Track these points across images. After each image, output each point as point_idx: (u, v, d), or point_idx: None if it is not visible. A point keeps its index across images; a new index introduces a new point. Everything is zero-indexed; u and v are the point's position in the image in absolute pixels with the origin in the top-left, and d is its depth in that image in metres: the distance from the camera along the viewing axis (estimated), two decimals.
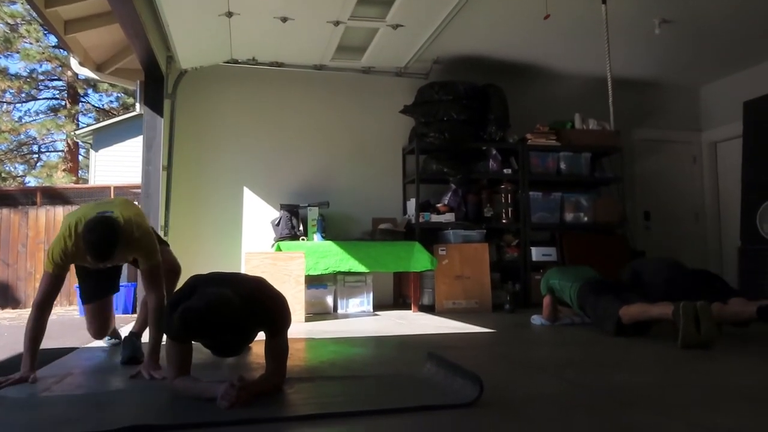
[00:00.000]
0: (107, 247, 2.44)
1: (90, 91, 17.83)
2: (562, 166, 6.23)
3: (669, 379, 2.42)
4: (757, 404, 1.92)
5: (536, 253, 5.99)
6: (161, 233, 5.44)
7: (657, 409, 1.89)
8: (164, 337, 2.21)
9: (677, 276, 4.00)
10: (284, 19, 5.06)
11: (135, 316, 5.38)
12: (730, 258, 6.84)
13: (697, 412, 1.87)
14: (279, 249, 5.28)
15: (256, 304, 2.08)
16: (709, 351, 3.04)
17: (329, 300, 5.62)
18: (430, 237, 5.86)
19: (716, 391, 2.19)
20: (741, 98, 6.66)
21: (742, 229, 6.41)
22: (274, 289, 2.28)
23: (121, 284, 5.82)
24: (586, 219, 6.22)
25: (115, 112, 17.29)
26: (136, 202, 4.07)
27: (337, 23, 5.16)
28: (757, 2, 5.02)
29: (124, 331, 4.20)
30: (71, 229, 2.56)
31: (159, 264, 2.75)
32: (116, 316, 5.65)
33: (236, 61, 6.06)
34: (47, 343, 3.75)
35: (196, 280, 2.18)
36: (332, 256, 5.33)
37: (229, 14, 4.92)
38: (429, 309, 5.60)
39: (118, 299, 5.78)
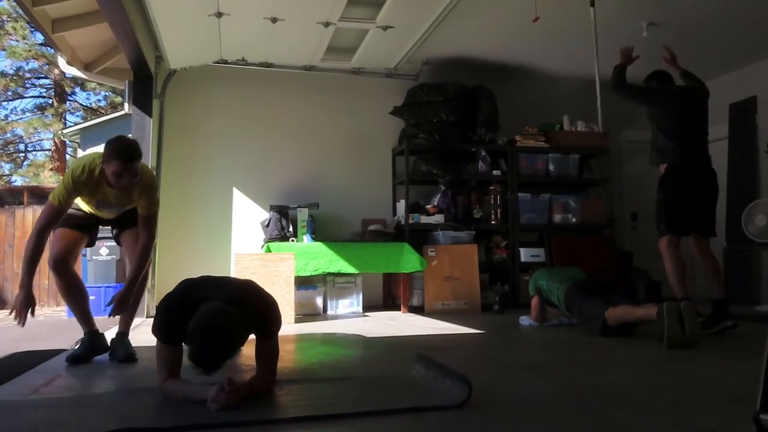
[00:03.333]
0: (134, 152, 2.78)
1: (77, 89, 17.68)
2: (551, 167, 6.27)
3: (654, 379, 2.45)
4: (740, 403, 1.95)
5: (525, 254, 6.02)
6: None
7: (643, 409, 1.92)
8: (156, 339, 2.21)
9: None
10: (274, 20, 5.05)
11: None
12: (716, 258, 6.89)
13: (682, 411, 1.90)
14: (269, 250, 5.28)
15: (246, 308, 2.08)
16: (693, 350, 3.08)
17: (319, 301, 5.63)
18: (419, 238, 5.88)
19: (701, 390, 2.22)
20: (727, 101, 6.75)
21: (728, 230, 6.49)
22: (264, 292, 2.29)
23: (108, 285, 5.83)
24: (574, 220, 6.26)
25: (103, 111, 17.17)
26: None
27: (327, 24, 5.16)
28: (743, 6, 5.09)
29: (112, 332, 4.19)
30: (87, 163, 2.86)
31: (156, 214, 3.05)
32: (105, 317, 5.63)
33: (226, 62, 6.05)
34: (35, 344, 3.74)
35: (187, 286, 2.18)
36: (322, 258, 5.33)
37: (219, 14, 4.90)
38: (418, 310, 5.62)
39: (107, 300, 5.75)
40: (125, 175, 2.76)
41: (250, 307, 2.11)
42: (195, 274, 2.37)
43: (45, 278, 7.36)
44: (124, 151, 2.74)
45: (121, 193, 2.90)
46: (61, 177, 13.55)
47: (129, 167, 2.76)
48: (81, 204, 3.04)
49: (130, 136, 3.55)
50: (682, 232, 3.94)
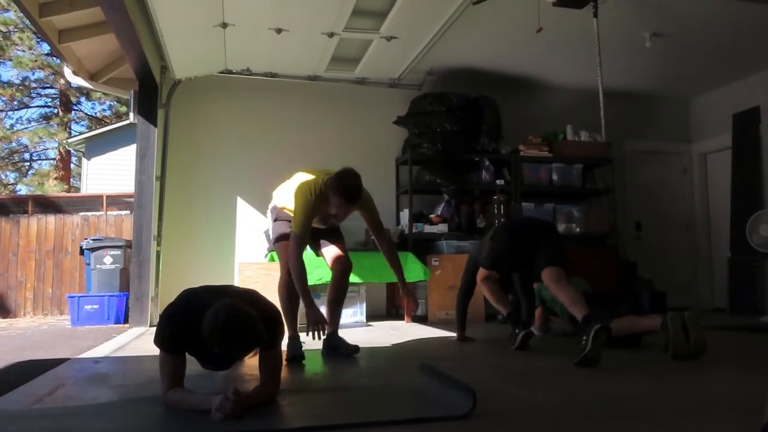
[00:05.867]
0: (358, 196, 3.08)
1: (83, 99, 17.81)
2: (554, 177, 6.27)
3: (659, 389, 2.44)
4: (746, 414, 1.94)
5: None
6: (154, 243, 5.44)
7: (648, 420, 1.91)
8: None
9: None
10: (279, 31, 5.08)
11: (126, 326, 5.38)
12: (720, 268, 6.89)
13: (687, 422, 1.89)
14: (273, 259, 5.28)
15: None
16: (698, 361, 3.06)
17: (323, 310, 5.60)
18: (423, 247, 5.88)
19: (706, 401, 2.21)
20: (730, 110, 6.76)
21: (732, 240, 6.48)
22: (267, 301, 2.29)
23: (113, 294, 5.84)
24: (577, 230, 6.25)
25: (108, 121, 17.26)
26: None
27: (331, 35, 5.19)
28: (746, 17, 5.10)
29: (116, 341, 4.20)
30: (311, 188, 3.16)
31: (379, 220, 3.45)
32: (108, 326, 5.64)
33: (230, 72, 6.08)
34: (38, 353, 3.75)
35: (191, 294, 2.19)
36: (326, 267, 5.31)
37: (224, 25, 4.94)
38: (422, 319, 5.60)
39: (110, 309, 5.77)
40: (345, 210, 3.12)
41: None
42: (199, 283, 2.38)
43: (49, 287, 7.38)
44: (349, 193, 3.05)
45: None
46: (65, 186, 13.52)
47: (350, 207, 3.11)
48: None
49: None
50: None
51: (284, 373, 2.37)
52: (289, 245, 3.13)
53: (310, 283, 5.18)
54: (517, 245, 3.72)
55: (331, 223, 3.52)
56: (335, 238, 3.63)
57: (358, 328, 5.16)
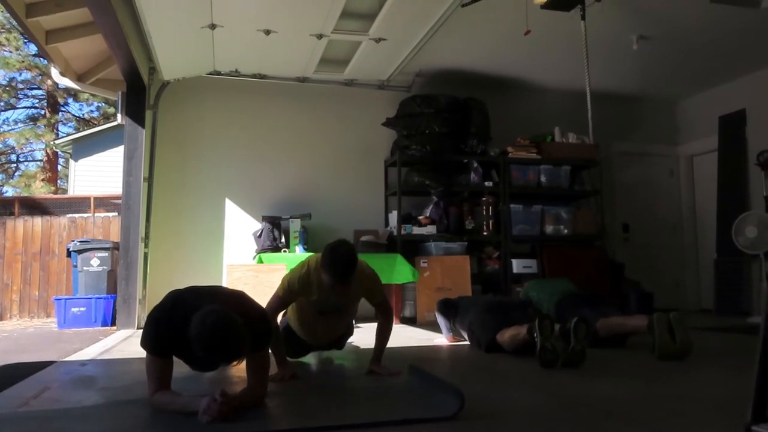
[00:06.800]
0: (350, 273, 2.65)
1: (70, 100, 17.66)
2: (543, 178, 6.30)
3: (646, 390, 2.46)
4: (731, 414, 1.96)
5: (517, 265, 6.03)
6: (141, 245, 5.41)
7: (635, 421, 1.92)
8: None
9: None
10: (267, 32, 5.08)
11: (113, 328, 5.35)
12: (707, 269, 6.95)
13: (674, 423, 1.91)
14: (261, 261, 5.27)
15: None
16: (684, 361, 3.09)
17: None
18: (411, 249, 5.89)
19: (692, 401, 2.23)
20: (716, 113, 6.83)
21: (718, 241, 6.54)
22: (255, 303, 2.29)
23: (100, 296, 5.80)
24: (565, 231, 6.29)
25: (95, 122, 17.13)
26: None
27: (320, 36, 5.19)
28: (732, 21, 5.16)
29: (102, 344, 4.17)
30: (311, 264, 2.79)
31: (386, 299, 3.00)
32: (95, 328, 5.60)
33: (219, 73, 6.06)
34: (24, 356, 3.71)
35: (177, 296, 2.17)
36: None
37: (213, 26, 4.92)
38: (411, 321, 5.61)
39: (98, 311, 5.73)
40: (338, 289, 2.72)
41: (241, 318, 2.10)
42: (187, 284, 2.36)
43: (35, 289, 7.32)
44: (339, 270, 2.63)
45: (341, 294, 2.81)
46: (52, 188, 13.40)
47: (342, 286, 2.69)
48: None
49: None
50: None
51: (271, 375, 2.36)
52: (268, 304, 2.76)
53: None
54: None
55: (337, 309, 2.99)
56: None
57: None
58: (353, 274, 2.68)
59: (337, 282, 2.66)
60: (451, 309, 4.11)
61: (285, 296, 2.81)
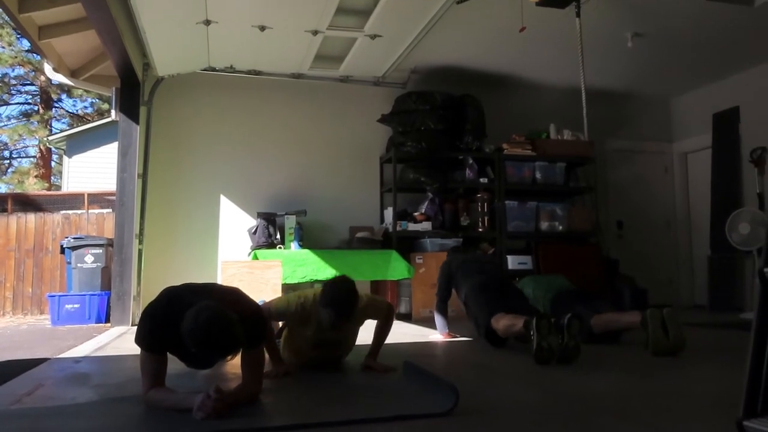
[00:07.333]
0: (351, 313, 2.62)
1: (64, 96, 17.55)
2: (538, 175, 6.31)
3: (639, 385, 2.47)
4: (724, 409, 1.97)
5: (512, 262, 6.04)
6: (136, 241, 5.39)
7: (628, 416, 1.93)
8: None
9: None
10: (262, 28, 5.06)
11: (107, 325, 5.34)
12: (701, 265, 6.98)
13: (667, 418, 1.92)
14: (256, 257, 5.26)
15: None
16: (678, 357, 3.10)
17: None
18: (407, 245, 5.89)
19: (685, 397, 2.24)
20: (710, 110, 6.85)
21: (712, 238, 6.57)
22: (250, 299, 2.29)
23: (95, 293, 5.78)
24: (560, 228, 6.30)
25: (89, 118, 17.05)
26: None
27: (315, 32, 5.18)
28: (726, 19, 5.17)
29: (96, 341, 4.15)
30: (308, 298, 2.73)
31: (386, 309, 2.97)
32: (89, 325, 5.59)
33: (214, 69, 6.04)
34: (17, 353, 3.70)
35: (172, 292, 2.17)
36: (309, 265, 5.32)
37: (207, 22, 4.90)
38: (406, 317, 5.62)
39: (92, 308, 5.71)
40: (337, 326, 2.66)
41: (237, 315, 2.10)
42: (181, 281, 2.35)
43: (29, 286, 7.29)
44: (339, 310, 2.58)
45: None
46: (46, 184, 13.33)
47: (341, 325, 2.65)
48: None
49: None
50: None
51: (266, 371, 2.36)
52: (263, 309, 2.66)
53: (292, 281, 5.22)
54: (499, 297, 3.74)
55: (335, 343, 2.96)
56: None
57: None
58: (354, 312, 2.65)
59: (337, 319, 2.60)
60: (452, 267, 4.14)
61: (276, 312, 2.76)
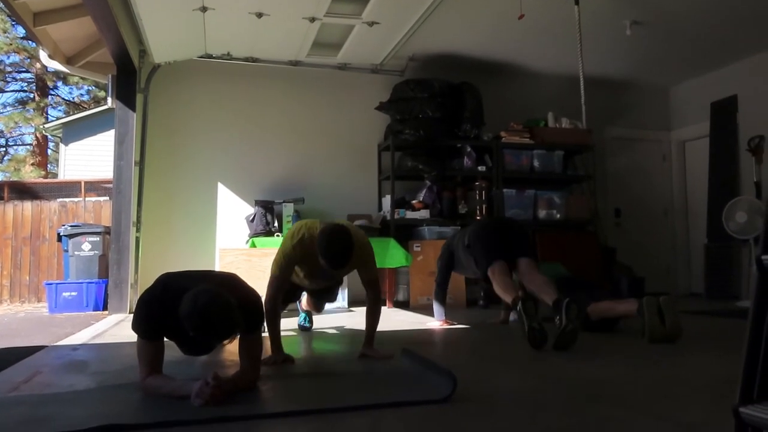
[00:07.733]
0: (345, 261, 2.65)
1: (60, 83, 17.46)
2: (536, 163, 6.31)
3: (636, 373, 2.48)
4: (720, 397, 1.98)
5: None
6: (133, 229, 5.38)
7: (625, 403, 1.94)
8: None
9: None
10: (260, 15, 5.02)
11: (105, 313, 5.34)
12: (698, 254, 7.00)
13: (664, 405, 1.92)
14: (253, 245, 5.26)
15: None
16: (674, 345, 3.12)
17: (304, 296, 5.61)
18: (405, 233, 5.89)
19: (681, 384, 2.25)
20: (708, 99, 6.84)
21: (709, 226, 6.59)
22: (247, 286, 2.29)
23: (92, 281, 5.78)
24: (558, 216, 6.31)
25: (85, 106, 16.97)
26: None
27: (312, 19, 5.14)
28: (724, 7, 5.15)
29: (94, 328, 4.16)
30: (305, 235, 2.81)
31: (377, 278, 2.98)
32: (87, 313, 5.59)
33: (211, 56, 6.00)
34: (15, 341, 3.70)
35: (168, 279, 2.17)
36: None
37: (204, 9, 4.86)
38: (404, 305, 5.63)
39: (89, 296, 5.71)
40: (333, 272, 2.78)
41: (234, 301, 2.10)
42: (179, 268, 2.35)
43: (26, 274, 7.28)
44: (335, 258, 2.64)
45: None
46: (42, 172, 13.29)
47: (336, 271, 2.77)
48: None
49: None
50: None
51: (264, 358, 2.36)
52: (268, 287, 2.80)
53: None
54: (501, 240, 3.75)
55: (328, 280, 3.23)
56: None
57: (340, 313, 5.17)
58: (351, 259, 2.69)
59: (331, 267, 2.69)
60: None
61: (284, 267, 2.83)
